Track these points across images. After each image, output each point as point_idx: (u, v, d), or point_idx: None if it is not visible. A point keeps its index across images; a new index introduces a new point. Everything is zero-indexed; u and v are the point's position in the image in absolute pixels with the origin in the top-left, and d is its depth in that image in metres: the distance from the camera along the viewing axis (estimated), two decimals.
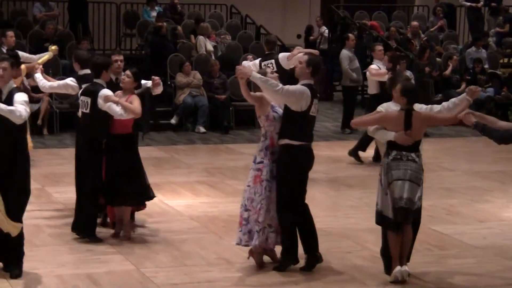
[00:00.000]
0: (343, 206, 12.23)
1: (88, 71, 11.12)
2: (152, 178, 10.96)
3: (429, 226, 10.83)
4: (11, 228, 8.28)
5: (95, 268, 9.07)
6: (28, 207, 11.34)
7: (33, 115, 16.78)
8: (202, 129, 17.81)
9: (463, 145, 17.21)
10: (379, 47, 15.97)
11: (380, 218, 8.74)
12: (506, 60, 22.45)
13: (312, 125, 9.03)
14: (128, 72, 10.14)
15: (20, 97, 8.25)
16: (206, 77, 18.42)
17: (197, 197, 12.57)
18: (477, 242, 10.39)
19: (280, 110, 8.89)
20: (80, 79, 10.87)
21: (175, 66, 18.73)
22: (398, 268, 8.59)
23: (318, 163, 13.30)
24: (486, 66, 20.97)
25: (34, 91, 16.87)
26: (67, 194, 11.85)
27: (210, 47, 19.73)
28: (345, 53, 18.45)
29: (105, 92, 9.85)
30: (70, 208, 10.39)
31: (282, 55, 12.73)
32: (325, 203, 12.38)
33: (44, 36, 19.40)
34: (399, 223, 8.64)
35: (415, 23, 22.66)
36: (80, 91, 10.19)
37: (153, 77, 10.65)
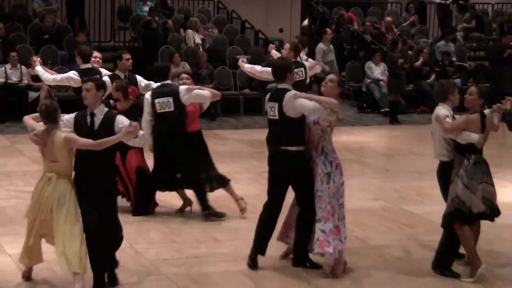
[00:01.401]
0: None
1: (89, 65, 11.20)
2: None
3: (401, 206, 10.87)
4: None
5: None
6: (25, 188, 11.32)
7: (33, 102, 16.75)
8: None
9: None
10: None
11: (461, 216, 8.24)
12: (472, 53, 22.55)
13: (272, 128, 8.41)
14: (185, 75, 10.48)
15: (126, 121, 7.62)
16: (194, 68, 18.39)
17: None
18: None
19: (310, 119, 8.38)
20: (82, 73, 10.92)
21: (165, 57, 18.68)
22: (483, 265, 8.27)
23: None
24: (454, 58, 21.01)
25: (33, 80, 16.86)
26: None
27: (198, 40, 19.70)
28: (320, 47, 18.51)
29: (183, 86, 10.11)
30: None
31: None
32: None
33: (43, 29, 19.33)
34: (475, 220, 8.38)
35: (388, 18, 22.68)
36: (151, 95, 10.15)
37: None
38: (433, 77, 19.97)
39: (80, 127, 7.65)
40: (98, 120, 7.62)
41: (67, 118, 7.82)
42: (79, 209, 7.53)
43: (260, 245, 8.49)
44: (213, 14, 22.59)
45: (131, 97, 10.09)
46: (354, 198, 11.41)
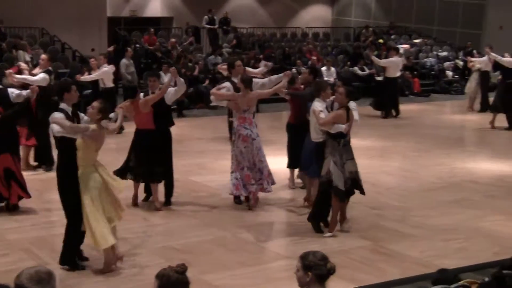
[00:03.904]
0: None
1: None
2: None
3: (188, 177, 10.89)
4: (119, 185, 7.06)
5: None
6: None
7: None
8: None
9: (209, 122, 17.38)
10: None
11: (330, 188, 8.06)
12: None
13: None
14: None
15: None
16: None
17: None
18: (219, 185, 10.56)
19: None
20: None
21: (2, 71, 17.71)
22: (345, 223, 8.34)
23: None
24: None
25: None
26: None
27: (27, 58, 18.80)
28: (123, 61, 18.23)
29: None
30: None
31: None
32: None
33: None
34: (349, 193, 8.23)
35: (173, 40, 22.66)
36: None
37: (33, 86, 9.52)
38: (207, 82, 20.13)
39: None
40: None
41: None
42: None
43: None
44: (39, 38, 21.69)
45: None
46: None
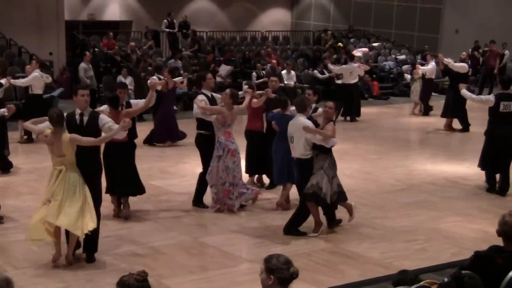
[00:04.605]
0: None
1: None
2: None
3: (149, 182, 10.80)
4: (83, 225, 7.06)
5: None
6: None
7: None
8: None
9: None
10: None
11: (316, 199, 8.15)
12: (194, 67, 22.84)
13: None
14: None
15: (108, 119, 7.37)
16: None
17: None
18: (179, 189, 10.52)
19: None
20: None
21: None
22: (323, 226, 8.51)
23: None
24: (182, 71, 21.15)
25: None
26: None
27: None
28: (82, 65, 18.09)
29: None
30: None
31: None
32: None
33: None
34: (333, 203, 8.37)
35: (132, 43, 22.47)
36: None
37: (10, 105, 9.59)
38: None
39: (71, 125, 7.14)
40: (85, 119, 7.24)
41: None
42: (89, 192, 7.07)
43: None
44: None
45: None
46: None
